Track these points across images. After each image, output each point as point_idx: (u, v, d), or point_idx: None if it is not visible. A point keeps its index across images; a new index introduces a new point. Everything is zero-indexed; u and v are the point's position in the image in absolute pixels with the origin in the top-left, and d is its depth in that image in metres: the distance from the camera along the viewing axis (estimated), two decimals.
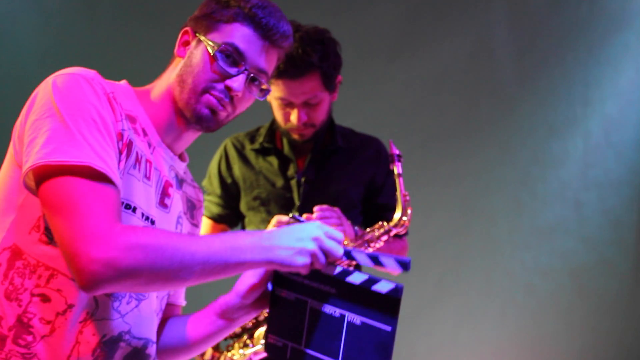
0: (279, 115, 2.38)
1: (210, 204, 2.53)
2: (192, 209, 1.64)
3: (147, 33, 3.94)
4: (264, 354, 2.21)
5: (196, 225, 1.66)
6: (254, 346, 2.22)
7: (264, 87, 1.55)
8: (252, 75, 1.51)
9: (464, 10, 4.03)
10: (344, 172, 2.44)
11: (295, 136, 2.38)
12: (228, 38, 1.49)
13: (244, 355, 2.22)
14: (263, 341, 2.20)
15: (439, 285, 3.98)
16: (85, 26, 3.87)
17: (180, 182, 1.59)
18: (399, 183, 2.24)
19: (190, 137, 1.58)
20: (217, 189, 2.51)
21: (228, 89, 1.49)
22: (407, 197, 2.25)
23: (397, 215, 2.26)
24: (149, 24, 3.95)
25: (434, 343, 4.00)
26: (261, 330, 2.23)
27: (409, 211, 2.25)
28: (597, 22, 4.01)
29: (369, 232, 2.30)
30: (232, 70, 1.49)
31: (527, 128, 4.05)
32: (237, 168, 2.48)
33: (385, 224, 2.28)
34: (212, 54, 1.49)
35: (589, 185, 4.02)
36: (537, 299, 4.01)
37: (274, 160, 2.45)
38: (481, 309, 4.03)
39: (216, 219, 2.53)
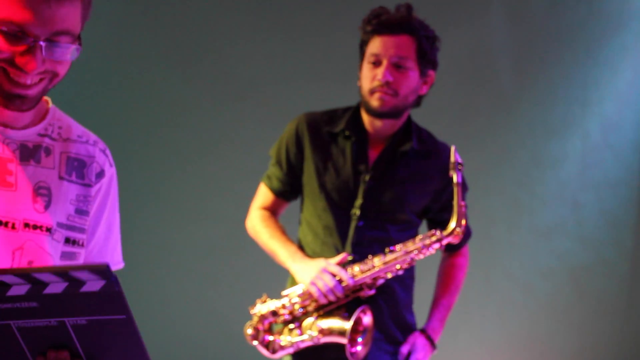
0: (366, 80, 2.38)
1: (274, 176, 2.53)
2: (81, 167, 1.53)
3: (148, 33, 3.95)
4: (311, 343, 2.27)
5: (89, 184, 1.54)
6: (301, 334, 2.28)
7: (70, 46, 1.38)
8: (44, 44, 1.33)
9: (463, 10, 4.03)
10: (409, 178, 2.43)
11: (375, 102, 2.36)
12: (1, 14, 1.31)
13: (291, 342, 2.28)
14: (309, 331, 2.26)
15: None
16: (87, 29, 3.87)
17: (34, 150, 1.47)
18: (457, 192, 2.25)
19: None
20: (284, 163, 2.51)
21: (20, 68, 1.33)
22: (464, 208, 2.27)
23: (452, 224, 2.28)
24: (149, 24, 3.95)
25: None
26: (310, 320, 2.28)
27: (463, 222, 2.27)
28: (595, 24, 4.03)
29: (421, 239, 2.32)
30: (16, 47, 1.33)
31: (525, 129, 4.06)
32: (308, 149, 2.47)
33: (438, 232, 2.30)
34: None
35: (587, 185, 4.03)
36: (536, 299, 4.02)
37: (347, 147, 2.43)
38: (480, 309, 4.04)
39: (276, 193, 2.54)
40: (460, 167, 2.27)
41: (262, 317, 2.36)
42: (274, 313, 2.35)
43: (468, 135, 4.01)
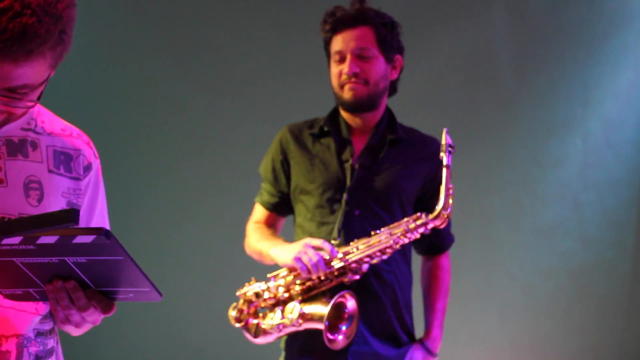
0: (334, 77, 2.42)
1: (264, 191, 2.55)
2: (68, 160, 1.52)
3: (145, 30, 3.95)
4: (292, 328, 2.24)
5: (78, 177, 1.52)
6: (283, 318, 2.26)
7: (28, 96, 1.36)
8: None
9: (463, 10, 4.03)
10: (400, 165, 2.44)
11: (347, 95, 2.39)
12: None
13: (272, 325, 2.26)
14: (290, 315, 2.24)
15: None
16: (85, 26, 3.86)
17: (20, 144, 1.46)
18: (446, 175, 2.23)
19: None
20: (270, 177, 2.52)
21: None
22: (451, 191, 2.25)
23: (438, 207, 2.25)
24: (146, 21, 3.95)
25: None
26: (292, 304, 2.26)
27: (450, 201, 2.25)
28: (596, 23, 4.02)
29: (406, 221, 2.29)
30: None
31: (526, 128, 4.05)
32: (293, 152, 2.49)
33: (423, 215, 2.28)
34: None
35: (588, 185, 4.02)
36: (536, 299, 4.01)
37: (331, 143, 2.45)
38: (480, 310, 4.03)
39: (268, 208, 2.55)
40: (451, 150, 2.25)
41: (247, 300, 2.35)
42: (257, 295, 2.33)
43: (468, 134, 4.00)
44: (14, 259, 1.26)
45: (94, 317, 1.38)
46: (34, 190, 1.45)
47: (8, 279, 1.32)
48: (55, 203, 1.47)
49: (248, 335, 2.35)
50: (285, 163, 2.50)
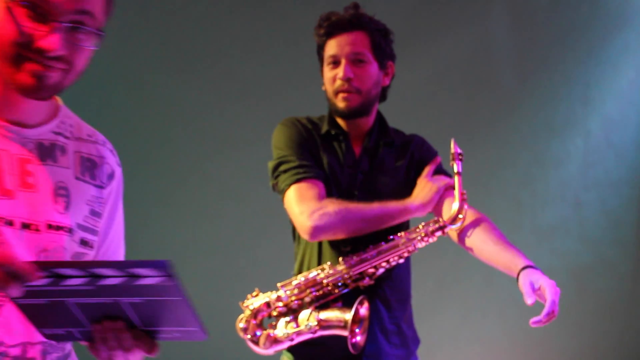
0: (328, 82, 2.42)
1: (309, 167, 2.38)
2: (92, 168, 1.50)
3: (151, 36, 3.94)
4: (307, 336, 2.24)
5: (101, 186, 1.51)
6: (297, 327, 2.25)
7: (93, 30, 1.35)
8: (68, 26, 1.31)
9: (464, 10, 4.03)
10: (393, 165, 2.46)
11: (341, 104, 2.39)
12: None
13: (287, 334, 2.26)
14: (307, 322, 2.24)
15: (439, 285, 3.98)
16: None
17: (50, 148, 1.44)
18: (458, 182, 2.27)
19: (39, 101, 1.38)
20: (307, 152, 2.42)
21: (41, 50, 1.29)
22: (465, 197, 2.28)
23: (454, 211, 2.27)
24: (152, 27, 3.95)
25: (434, 343, 4.00)
26: (306, 312, 2.26)
27: (465, 205, 2.27)
28: (597, 22, 4.02)
29: (424, 225, 2.30)
30: (39, 28, 1.29)
31: (527, 128, 4.05)
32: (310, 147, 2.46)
33: (441, 219, 2.29)
34: (10, 13, 1.29)
35: (589, 185, 4.02)
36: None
37: (338, 148, 2.45)
38: (481, 309, 4.03)
39: (324, 181, 2.40)
40: (461, 157, 2.30)
41: (255, 311, 2.34)
42: (268, 305, 2.32)
43: (470, 135, 4.00)
44: (68, 299, 1.24)
45: (136, 357, 1.36)
46: (62, 197, 1.43)
47: (53, 320, 1.30)
48: (80, 210, 1.46)
49: (255, 347, 2.34)
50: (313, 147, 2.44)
